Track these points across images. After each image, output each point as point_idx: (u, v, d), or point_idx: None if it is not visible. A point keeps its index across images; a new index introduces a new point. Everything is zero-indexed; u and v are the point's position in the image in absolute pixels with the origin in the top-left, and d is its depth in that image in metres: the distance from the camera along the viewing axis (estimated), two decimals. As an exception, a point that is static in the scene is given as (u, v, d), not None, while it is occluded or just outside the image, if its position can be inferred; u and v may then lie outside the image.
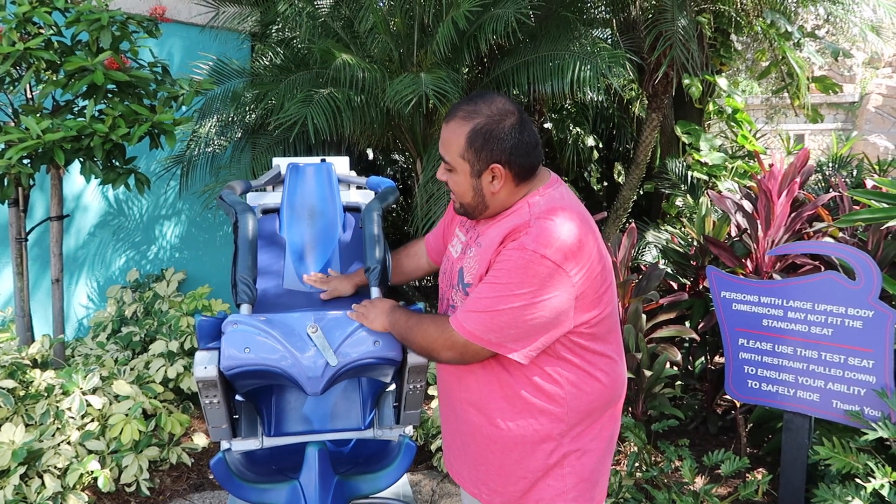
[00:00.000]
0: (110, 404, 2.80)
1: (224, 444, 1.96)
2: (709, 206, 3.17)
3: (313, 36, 3.54)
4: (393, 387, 2.02)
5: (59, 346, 3.27)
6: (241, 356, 1.61)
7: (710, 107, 6.88)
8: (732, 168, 6.19)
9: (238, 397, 1.92)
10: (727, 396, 3.24)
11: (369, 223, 1.92)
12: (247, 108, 3.99)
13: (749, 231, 2.85)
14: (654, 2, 3.87)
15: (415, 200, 3.78)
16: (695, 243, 3.19)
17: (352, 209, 2.21)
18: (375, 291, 1.81)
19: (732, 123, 7.04)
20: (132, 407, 2.73)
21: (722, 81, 6.43)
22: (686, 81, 5.49)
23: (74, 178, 3.99)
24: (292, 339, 1.64)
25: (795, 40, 6.59)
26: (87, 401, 2.70)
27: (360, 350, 1.66)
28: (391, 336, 1.65)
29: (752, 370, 2.26)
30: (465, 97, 1.40)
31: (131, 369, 3.18)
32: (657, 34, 3.54)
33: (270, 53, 4.00)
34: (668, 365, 2.80)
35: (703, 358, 3.19)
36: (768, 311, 2.21)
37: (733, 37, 6.77)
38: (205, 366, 1.64)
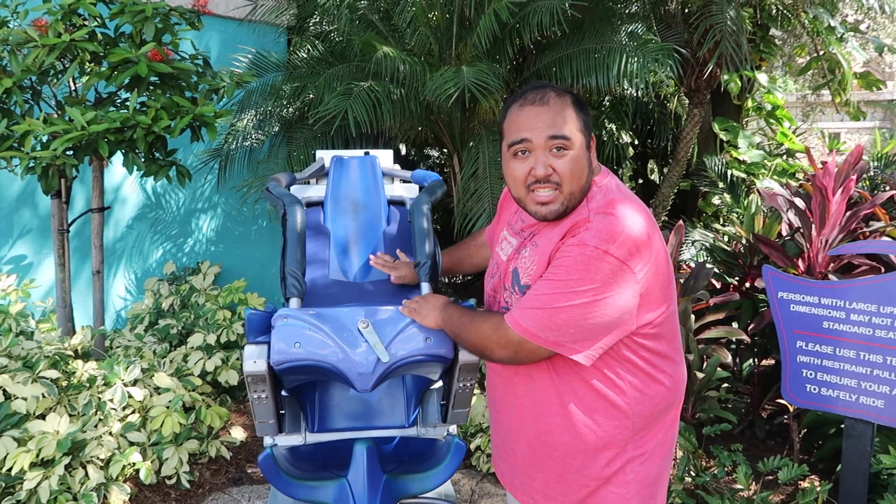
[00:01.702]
0: (151, 396, 2.80)
1: (267, 441, 1.93)
2: (758, 203, 3.07)
3: (352, 28, 3.51)
4: (438, 384, 1.98)
5: (100, 337, 3.29)
6: (292, 351, 1.58)
7: (749, 103, 6.73)
8: (772, 166, 6.04)
9: (283, 392, 1.90)
10: (776, 400, 3.14)
11: (419, 217, 1.87)
12: (285, 102, 3.98)
13: (802, 230, 2.75)
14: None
15: (453, 198, 3.74)
16: (743, 242, 3.09)
17: (396, 203, 2.18)
18: (426, 287, 1.76)
19: (771, 120, 6.87)
20: (173, 399, 2.73)
21: (762, 77, 6.27)
22: (725, 77, 5.36)
23: (114, 170, 4.02)
24: (343, 335, 1.61)
25: (839, 35, 6.41)
26: (128, 392, 2.71)
27: (412, 346, 1.61)
28: (443, 333, 1.60)
29: (810, 374, 2.17)
30: (536, 84, 1.36)
31: (170, 362, 3.19)
32: (704, 28, 3.43)
33: (308, 46, 3.97)
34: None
35: (750, 360, 3.09)
36: (829, 312, 2.12)
37: (772, 32, 6.60)
38: (254, 360, 1.61)
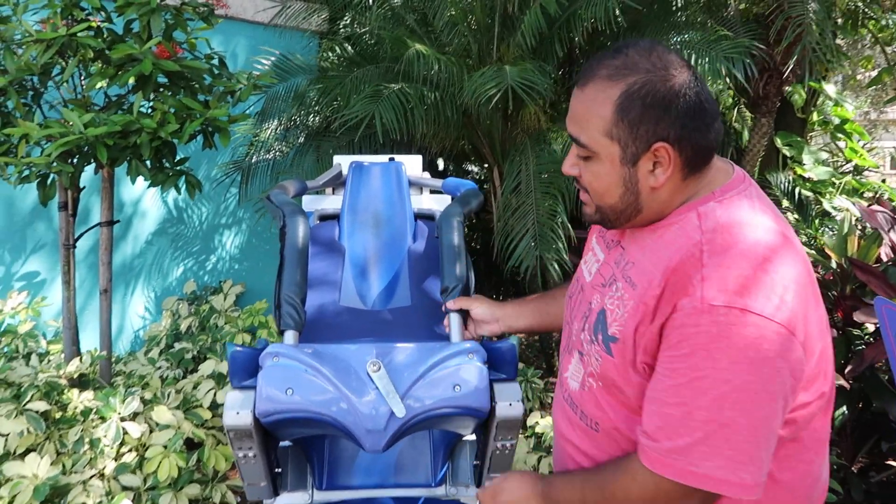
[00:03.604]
0: (150, 432, 2.50)
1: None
2: (852, 223, 2.62)
3: (385, 25, 3.21)
4: (472, 436, 1.62)
5: (105, 362, 3.02)
6: (282, 399, 1.24)
7: (815, 116, 6.25)
8: (840, 184, 5.55)
9: (282, 443, 1.56)
10: (874, 453, 2.66)
11: (448, 232, 1.52)
12: (310, 108, 3.70)
13: (913, 253, 2.30)
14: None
15: (493, 216, 3.38)
16: (833, 267, 2.64)
17: (424, 217, 1.85)
18: (455, 319, 1.41)
19: (839, 135, 6.37)
20: (172, 438, 2.42)
21: (829, 88, 5.81)
22: (787, 88, 4.93)
23: (129, 182, 3.80)
24: (348, 379, 1.26)
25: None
26: (124, 428, 2.41)
27: (436, 396, 1.25)
28: (479, 377, 1.24)
29: (940, 435, 1.73)
30: (606, 51, 0.95)
31: (177, 391, 2.89)
32: (781, 23, 3.01)
33: (338, 48, 3.70)
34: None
35: (843, 407, 2.63)
36: (966, 358, 1.68)
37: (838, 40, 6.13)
38: (237, 410, 1.27)
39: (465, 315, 1.42)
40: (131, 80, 2.47)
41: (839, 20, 5.22)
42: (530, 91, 2.71)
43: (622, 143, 0.92)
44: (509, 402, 1.32)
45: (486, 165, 4.35)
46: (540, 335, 4.15)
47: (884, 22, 5.66)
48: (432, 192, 1.95)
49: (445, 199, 1.91)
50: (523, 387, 3.55)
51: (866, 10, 4.54)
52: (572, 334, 1.11)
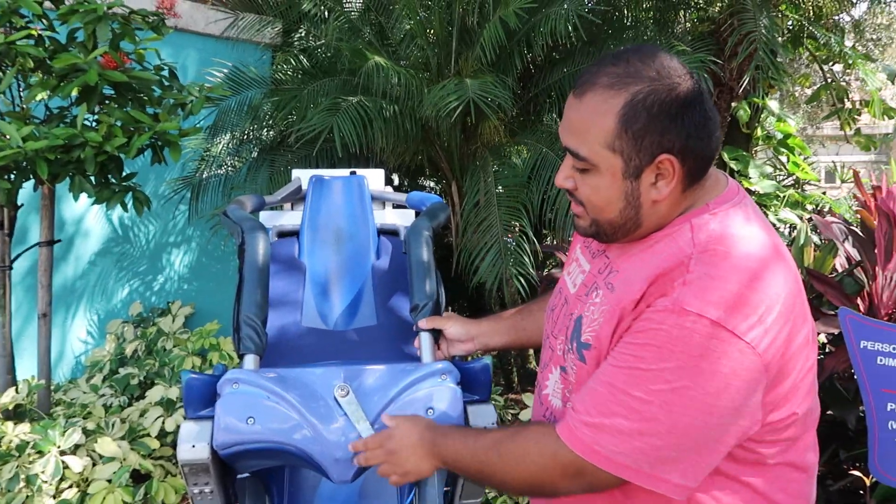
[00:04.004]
0: (94, 465, 2.34)
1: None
2: (807, 233, 2.67)
3: (341, 36, 3.15)
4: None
5: (44, 391, 2.82)
6: (243, 429, 1.15)
7: (759, 132, 6.48)
8: (785, 197, 5.75)
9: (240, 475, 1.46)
10: (830, 464, 2.70)
11: (417, 245, 1.46)
12: (264, 122, 3.59)
13: (867, 263, 2.35)
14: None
15: (451, 231, 3.34)
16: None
17: (388, 232, 1.78)
18: (427, 339, 1.34)
19: (782, 149, 6.61)
20: (117, 471, 2.27)
21: (773, 104, 6.04)
22: (734, 104, 5.07)
23: (71, 198, 3.61)
24: (314, 405, 1.19)
25: (850, 61, 6.22)
26: (64, 462, 2.24)
27: None
28: (452, 399, 1.19)
29: (905, 444, 1.74)
30: (605, 57, 0.90)
31: (123, 420, 2.72)
32: (735, 40, 3.08)
33: (293, 61, 3.61)
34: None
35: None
36: (928, 366, 1.71)
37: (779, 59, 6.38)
38: (192, 443, 1.18)
39: (437, 334, 1.36)
40: (75, 92, 2.34)
41: (780, 39, 5.42)
42: (491, 104, 2.69)
43: (625, 156, 0.86)
44: (484, 424, 1.26)
45: (444, 180, 4.31)
46: (500, 351, 4.11)
47: (822, 41, 5.91)
48: (395, 206, 1.89)
49: (409, 214, 1.85)
50: (486, 404, 3.49)
51: (810, 27, 4.72)
52: (554, 349, 1.05)
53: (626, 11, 3.63)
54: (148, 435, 2.65)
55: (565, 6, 2.78)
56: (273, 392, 1.17)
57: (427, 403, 1.21)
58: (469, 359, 1.37)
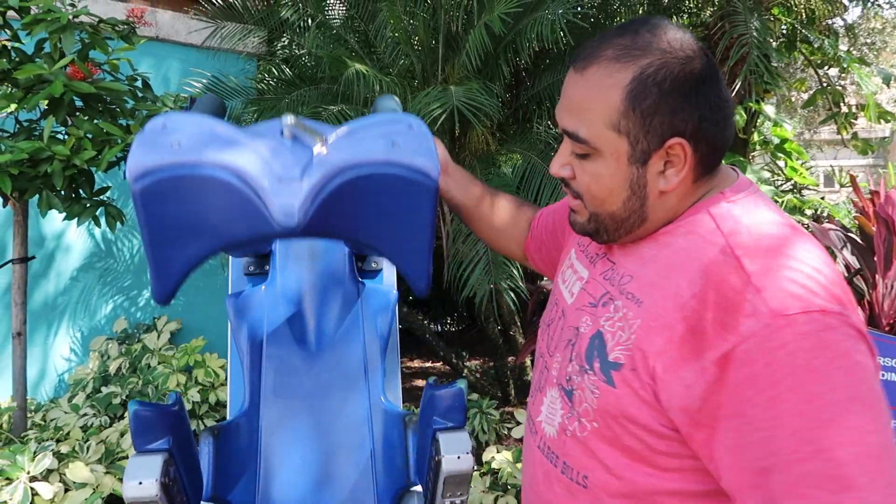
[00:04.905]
0: (66, 492, 2.24)
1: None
2: (804, 240, 2.59)
3: (324, 44, 3.07)
4: (418, 487, 1.45)
5: (19, 413, 2.73)
6: (164, 150, 0.88)
7: (755, 137, 6.41)
8: (783, 202, 5.69)
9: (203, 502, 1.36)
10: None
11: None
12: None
13: (866, 271, 2.26)
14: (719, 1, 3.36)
15: (442, 241, 3.24)
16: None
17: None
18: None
19: (780, 154, 6.55)
20: (89, 497, 2.17)
21: (769, 108, 5.97)
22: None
23: (53, 214, 3.53)
24: (254, 136, 0.95)
25: (845, 65, 6.17)
26: (33, 489, 2.15)
27: (368, 149, 0.94)
28: (424, 137, 0.95)
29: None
30: (610, 30, 0.79)
31: (100, 442, 2.63)
32: (725, 43, 3.01)
33: (274, 70, 3.53)
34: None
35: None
36: (933, 380, 1.62)
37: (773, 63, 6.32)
38: (139, 479, 1.08)
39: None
40: (42, 104, 2.27)
41: (774, 43, 5.36)
42: (477, 112, 2.60)
43: (632, 138, 0.76)
44: (457, 454, 1.16)
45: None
46: (495, 362, 4.01)
47: (817, 45, 5.85)
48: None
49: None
50: (479, 419, 3.39)
51: (804, 30, 4.65)
52: (549, 369, 0.93)
53: (616, 17, 3.56)
54: (126, 457, 2.56)
55: (552, 10, 2.70)
56: (207, 122, 0.93)
57: (393, 139, 0.94)
58: (440, 383, 1.28)
